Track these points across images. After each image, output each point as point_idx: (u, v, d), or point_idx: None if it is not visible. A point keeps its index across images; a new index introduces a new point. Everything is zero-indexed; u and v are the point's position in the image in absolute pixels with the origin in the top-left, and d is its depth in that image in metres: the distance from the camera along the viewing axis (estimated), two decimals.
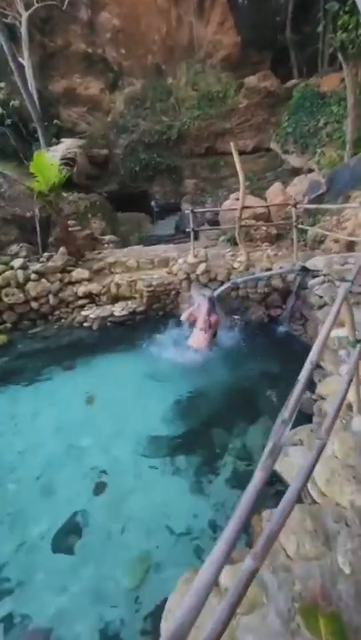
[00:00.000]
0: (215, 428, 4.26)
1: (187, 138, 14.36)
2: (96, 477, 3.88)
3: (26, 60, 10.50)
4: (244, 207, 6.26)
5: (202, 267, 6.35)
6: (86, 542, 3.11)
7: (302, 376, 1.57)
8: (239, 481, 3.62)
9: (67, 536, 3.19)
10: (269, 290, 6.08)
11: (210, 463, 3.88)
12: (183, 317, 5.57)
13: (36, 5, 11.17)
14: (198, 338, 5.38)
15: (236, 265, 6.46)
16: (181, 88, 14.88)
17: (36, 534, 3.21)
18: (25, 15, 10.70)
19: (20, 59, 10.63)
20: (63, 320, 6.54)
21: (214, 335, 5.42)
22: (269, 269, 6.04)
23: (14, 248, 7.45)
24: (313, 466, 1.41)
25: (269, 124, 14.20)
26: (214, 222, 10.62)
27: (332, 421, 1.62)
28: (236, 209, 6.32)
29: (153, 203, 14.11)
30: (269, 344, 5.63)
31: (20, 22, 10.74)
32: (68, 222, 7.81)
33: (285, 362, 5.10)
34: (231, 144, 5.64)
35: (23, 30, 10.53)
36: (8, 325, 6.38)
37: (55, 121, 10.69)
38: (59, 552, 3.05)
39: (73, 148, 7.36)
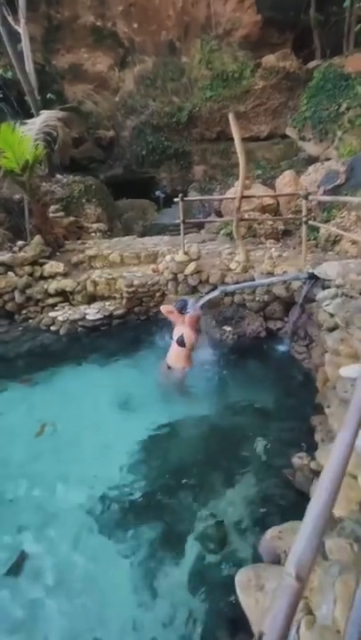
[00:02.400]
0: (184, 485, 3.09)
1: (197, 121, 12.78)
2: (19, 544, 2.81)
3: (22, 28, 9.07)
4: (243, 197, 4.90)
5: (192, 266, 5.08)
6: None
7: None
8: (202, 578, 2.48)
9: None
10: (270, 298, 4.78)
11: (169, 542, 2.72)
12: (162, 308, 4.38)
13: None
14: (176, 354, 4.17)
15: (232, 265, 5.16)
16: (195, 67, 13.18)
17: None
18: None
19: (16, 26, 9.21)
20: (31, 320, 5.39)
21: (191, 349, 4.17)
22: (271, 274, 4.73)
23: None
24: None
25: (287, 109, 12.48)
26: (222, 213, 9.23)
27: None
28: (235, 198, 4.98)
29: (157, 192, 12.71)
30: (265, 367, 4.37)
31: None
32: (51, 207, 6.59)
33: (282, 395, 3.85)
34: (230, 115, 4.28)
35: None
36: None
37: (49, 95, 9.29)
38: None
39: (51, 120, 6.06)
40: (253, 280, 4.78)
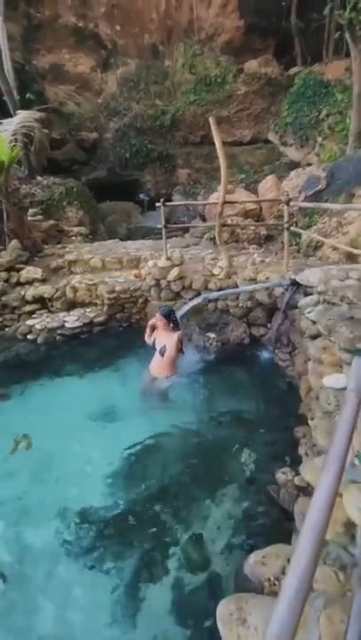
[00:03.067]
0: (165, 504, 2.93)
1: (181, 125, 12.66)
2: None
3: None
4: (226, 202, 4.80)
5: (175, 272, 4.93)
6: None
7: None
8: (183, 606, 2.33)
9: None
10: (253, 304, 4.69)
11: (149, 567, 2.56)
12: (146, 336, 4.17)
13: None
14: (159, 364, 4.01)
15: (215, 271, 5.04)
16: (178, 71, 13.07)
17: None
18: None
19: None
20: (7, 329, 5.13)
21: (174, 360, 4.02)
22: (254, 280, 4.63)
23: None
24: None
25: (269, 114, 12.51)
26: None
27: None
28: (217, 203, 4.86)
29: (141, 195, 12.52)
30: (249, 375, 4.25)
31: None
32: (29, 210, 6.34)
33: (266, 404, 3.74)
34: (210, 118, 4.17)
35: None
36: None
37: (28, 95, 8.98)
38: None
39: (28, 121, 5.82)
40: (237, 286, 4.67)
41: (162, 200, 4.93)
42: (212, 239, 6.47)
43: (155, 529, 2.81)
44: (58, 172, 10.51)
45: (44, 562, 2.67)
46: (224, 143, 13.86)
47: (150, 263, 5.14)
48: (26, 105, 9.26)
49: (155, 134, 12.56)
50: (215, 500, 2.92)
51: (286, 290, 4.17)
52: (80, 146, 12.31)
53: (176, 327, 3.96)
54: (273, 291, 4.46)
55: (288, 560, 1.99)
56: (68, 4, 12.36)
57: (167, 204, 5.02)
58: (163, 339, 3.93)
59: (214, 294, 4.37)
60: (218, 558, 2.57)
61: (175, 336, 3.88)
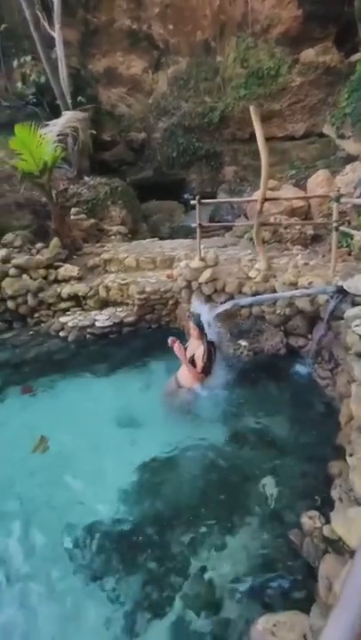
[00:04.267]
0: (177, 528, 2.60)
1: (230, 121, 12.10)
2: None
3: (57, 33, 8.89)
4: (267, 199, 4.30)
5: (207, 273, 4.56)
6: None
7: None
8: None
9: None
10: (292, 311, 4.15)
11: (152, 596, 2.27)
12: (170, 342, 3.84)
13: None
14: (186, 372, 3.69)
15: (252, 274, 4.57)
16: (229, 66, 12.50)
17: None
18: None
19: (51, 31, 9.07)
20: (43, 325, 5.12)
21: (207, 371, 3.67)
22: (294, 285, 4.10)
23: (9, 236, 6.12)
24: None
25: (325, 106, 11.48)
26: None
27: None
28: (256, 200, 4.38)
29: (186, 195, 12.21)
30: (282, 391, 3.75)
31: None
32: (72, 209, 6.33)
33: (299, 427, 3.24)
34: (251, 108, 3.71)
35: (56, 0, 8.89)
36: None
37: (79, 98, 9.06)
38: None
39: (72, 122, 5.76)
40: (274, 292, 4.18)
41: (197, 198, 4.56)
42: (253, 239, 5.97)
43: (162, 553, 2.51)
44: (107, 173, 10.59)
45: (44, 569, 2.51)
46: (275, 138, 13.06)
47: (182, 264, 4.81)
48: (78, 108, 9.42)
49: (202, 132, 12.17)
50: (230, 533, 2.53)
51: (331, 298, 3.61)
52: (129, 147, 12.32)
53: (206, 336, 3.62)
54: (316, 297, 3.90)
55: (304, 637, 1.57)
56: (124, 7, 12.34)
57: (203, 201, 4.65)
58: (193, 347, 3.60)
59: (247, 300, 3.93)
60: (227, 604, 2.19)
61: (204, 345, 3.53)
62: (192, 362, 3.56)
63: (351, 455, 2.27)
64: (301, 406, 3.50)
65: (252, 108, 3.68)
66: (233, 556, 2.43)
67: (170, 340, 3.59)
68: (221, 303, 4.20)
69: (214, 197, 11.95)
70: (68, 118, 5.90)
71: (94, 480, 3.14)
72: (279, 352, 4.17)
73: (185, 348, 3.69)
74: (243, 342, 4.30)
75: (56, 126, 5.56)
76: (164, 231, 10.69)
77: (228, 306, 3.81)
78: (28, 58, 9.06)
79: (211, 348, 3.59)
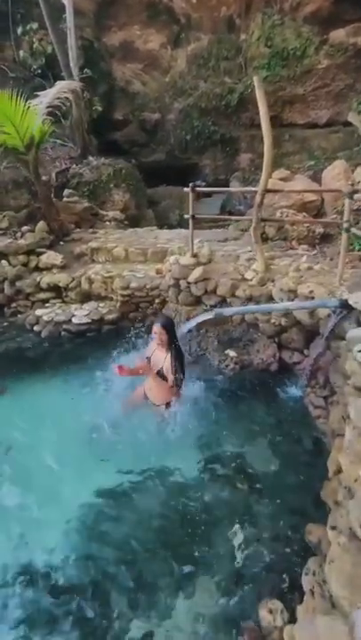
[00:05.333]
0: (124, 575, 2.14)
1: (248, 104, 11.12)
2: None
3: (67, 1, 8.07)
4: (269, 190, 3.65)
5: (197, 272, 3.97)
6: None
7: None
8: None
9: None
10: (288, 322, 3.56)
11: None
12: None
13: None
14: (156, 386, 3.15)
15: (248, 275, 3.96)
16: (253, 44, 11.44)
17: None
18: None
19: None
20: (20, 316, 4.66)
21: (179, 384, 3.11)
22: (293, 291, 3.48)
23: None
24: None
25: (353, 92, 10.42)
26: None
27: None
28: (258, 190, 3.72)
29: (198, 181, 11.43)
30: (268, 415, 3.17)
31: None
32: (65, 191, 5.77)
33: (281, 462, 2.70)
34: (255, 77, 3.03)
35: None
36: None
37: (85, 70, 8.29)
38: None
39: (63, 92, 5.11)
40: (270, 298, 3.58)
41: (190, 185, 3.94)
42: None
43: (106, 604, 2.07)
44: (117, 154, 9.91)
45: None
46: (296, 125, 12.01)
47: (172, 259, 4.23)
48: (86, 82, 8.69)
49: (219, 115, 11.29)
50: (185, 592, 2.07)
51: (333, 312, 2.99)
52: (142, 127, 11.56)
53: (174, 343, 3.03)
54: (316, 310, 3.29)
55: None
56: None
57: (197, 189, 4.02)
58: (158, 358, 3.04)
59: (231, 310, 3.34)
60: None
61: (172, 353, 2.97)
62: (160, 376, 3.01)
63: (334, 528, 1.73)
64: (288, 438, 2.96)
65: (255, 78, 3.00)
66: (181, 624, 1.96)
67: (114, 367, 2.98)
68: (205, 310, 3.61)
69: (227, 185, 11.16)
70: (60, 88, 5.25)
71: (47, 500, 2.70)
72: (270, 367, 3.60)
73: (148, 359, 3.12)
74: (231, 352, 3.75)
75: (46, 97, 4.94)
76: (172, 219, 10.03)
77: (210, 314, 3.24)
78: (35, 25, 8.31)
79: (180, 357, 3.02)
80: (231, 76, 11.47)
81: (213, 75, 11.56)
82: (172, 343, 2.96)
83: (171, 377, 2.95)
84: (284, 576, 2.01)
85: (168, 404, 3.13)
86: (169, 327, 3.00)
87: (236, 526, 2.41)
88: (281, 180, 5.64)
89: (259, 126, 13.03)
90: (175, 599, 2.04)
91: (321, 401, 3.04)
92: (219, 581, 2.11)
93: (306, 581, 1.69)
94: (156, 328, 2.95)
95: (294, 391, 3.39)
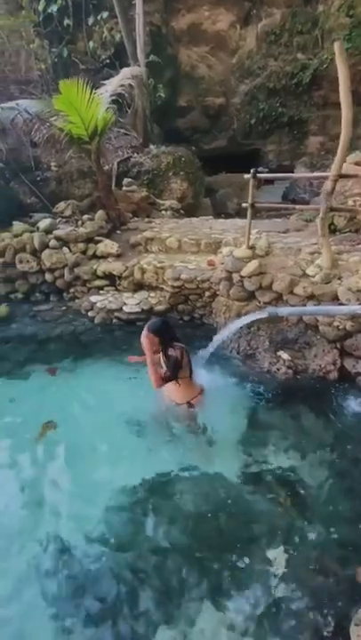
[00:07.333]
0: (151, 575, 2.03)
1: (323, 81, 10.04)
2: None
3: None
4: (343, 176, 3.12)
5: (252, 265, 3.60)
6: None
7: None
8: None
9: None
10: (355, 327, 3.07)
11: None
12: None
13: None
14: (169, 389, 2.90)
15: (310, 271, 3.50)
16: (332, 15, 10.17)
17: None
18: None
19: None
20: (77, 300, 4.75)
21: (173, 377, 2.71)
22: None
23: (61, 205, 5.76)
24: None
25: None
26: None
27: None
28: (328, 176, 3.21)
29: (261, 167, 10.68)
30: (324, 429, 2.77)
31: None
32: (124, 180, 5.70)
33: (336, 487, 2.33)
34: (336, 43, 2.50)
35: None
36: (19, 295, 4.92)
37: (151, 56, 8.02)
38: None
39: (127, 79, 4.91)
40: (335, 298, 3.12)
41: (252, 171, 3.55)
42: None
43: (131, 607, 1.99)
44: (178, 142, 9.65)
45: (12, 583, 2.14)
46: None
47: (226, 250, 3.91)
48: (151, 68, 8.47)
49: (288, 95, 10.37)
50: (209, 608, 1.89)
51: None
52: (204, 113, 11.09)
53: (173, 344, 2.72)
54: None
55: None
56: None
57: (259, 175, 3.61)
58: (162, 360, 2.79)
59: (287, 310, 2.95)
60: None
61: (176, 351, 2.68)
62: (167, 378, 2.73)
63: None
64: (345, 459, 2.55)
65: (336, 44, 2.50)
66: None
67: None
68: (258, 306, 3.26)
69: (292, 171, 10.28)
70: (124, 74, 5.09)
71: (90, 484, 2.68)
72: (329, 375, 3.16)
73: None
74: (284, 355, 3.37)
75: (110, 85, 4.82)
76: (230, 208, 9.57)
77: (262, 314, 2.90)
78: (105, 14, 8.23)
79: (184, 354, 2.71)
80: (305, 52, 10.39)
81: (285, 51, 10.57)
82: (167, 343, 2.67)
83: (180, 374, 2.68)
84: (329, 619, 1.71)
85: (190, 404, 2.90)
86: (157, 329, 2.66)
87: (277, 547, 2.14)
88: (356, 164, 4.92)
89: (333, 105, 11.74)
90: (201, 613, 1.86)
91: None
92: (253, 605, 1.88)
93: (355, 633, 1.39)
94: (143, 338, 2.64)
95: (356, 406, 2.93)
